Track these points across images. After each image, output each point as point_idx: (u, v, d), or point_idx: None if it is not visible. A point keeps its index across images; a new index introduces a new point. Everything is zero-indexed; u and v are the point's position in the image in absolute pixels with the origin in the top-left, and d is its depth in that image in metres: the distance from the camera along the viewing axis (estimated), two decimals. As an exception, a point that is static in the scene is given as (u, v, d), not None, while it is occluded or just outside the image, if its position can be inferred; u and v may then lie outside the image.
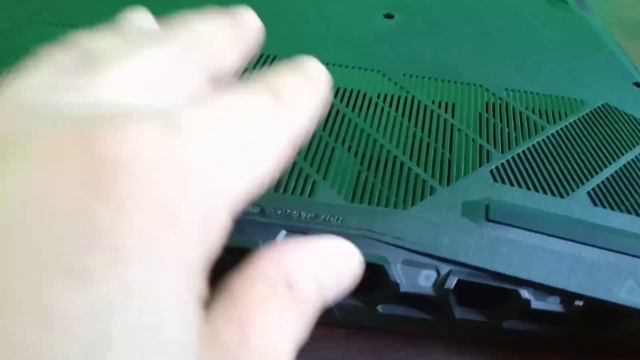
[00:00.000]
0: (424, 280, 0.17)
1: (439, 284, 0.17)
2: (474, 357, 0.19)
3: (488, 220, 0.19)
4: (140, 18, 0.16)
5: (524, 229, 0.19)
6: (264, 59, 0.25)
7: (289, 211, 0.18)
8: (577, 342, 0.18)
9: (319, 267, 0.14)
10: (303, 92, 0.14)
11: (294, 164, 0.20)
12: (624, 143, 0.24)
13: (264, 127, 0.13)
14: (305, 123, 0.14)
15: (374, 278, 0.17)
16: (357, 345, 0.19)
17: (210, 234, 0.11)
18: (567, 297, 0.17)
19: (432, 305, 0.18)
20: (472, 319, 0.18)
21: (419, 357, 0.19)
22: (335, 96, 0.24)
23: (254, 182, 0.12)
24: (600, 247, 0.18)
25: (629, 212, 0.21)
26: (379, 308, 0.18)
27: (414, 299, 0.18)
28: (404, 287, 0.17)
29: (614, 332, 0.18)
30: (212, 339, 0.12)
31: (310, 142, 0.21)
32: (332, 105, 0.23)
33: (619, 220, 0.20)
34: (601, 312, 0.18)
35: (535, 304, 0.17)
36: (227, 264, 0.15)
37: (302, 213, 0.18)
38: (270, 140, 0.13)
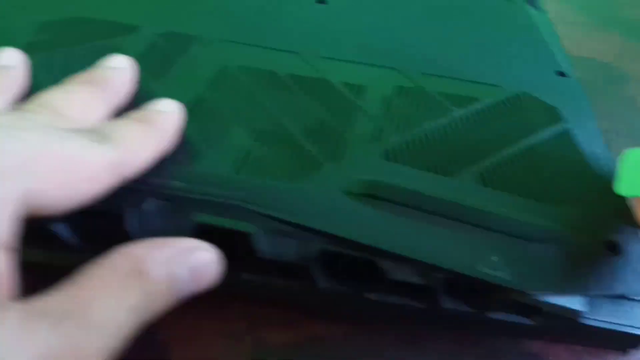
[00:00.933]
0: (288, 248, 0.18)
1: (302, 252, 0.17)
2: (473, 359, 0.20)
3: (367, 196, 0.19)
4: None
5: (400, 204, 0.19)
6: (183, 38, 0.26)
7: (165, 180, 0.18)
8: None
9: (171, 261, 0.15)
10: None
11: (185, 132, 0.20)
12: (529, 128, 0.24)
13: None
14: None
15: (240, 246, 0.18)
16: (357, 345, 0.19)
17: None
18: (427, 269, 0.17)
19: (296, 273, 0.18)
20: (336, 289, 0.18)
21: (419, 358, 0.19)
22: (246, 74, 0.24)
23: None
24: (470, 224, 0.18)
25: (519, 195, 0.21)
26: (243, 275, 0.18)
27: (279, 268, 0.18)
28: (268, 254, 0.17)
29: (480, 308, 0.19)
30: (40, 311, 0.13)
31: (204, 113, 0.21)
32: (240, 83, 0.23)
33: (504, 201, 0.20)
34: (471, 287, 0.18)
35: (394, 275, 0.17)
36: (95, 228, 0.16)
37: (180, 183, 0.18)
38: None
